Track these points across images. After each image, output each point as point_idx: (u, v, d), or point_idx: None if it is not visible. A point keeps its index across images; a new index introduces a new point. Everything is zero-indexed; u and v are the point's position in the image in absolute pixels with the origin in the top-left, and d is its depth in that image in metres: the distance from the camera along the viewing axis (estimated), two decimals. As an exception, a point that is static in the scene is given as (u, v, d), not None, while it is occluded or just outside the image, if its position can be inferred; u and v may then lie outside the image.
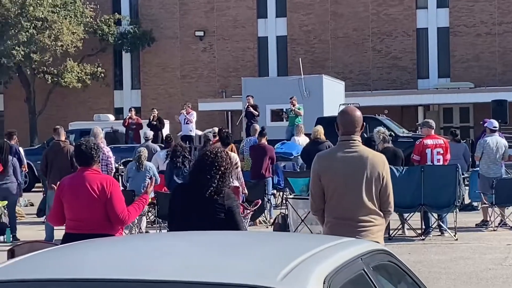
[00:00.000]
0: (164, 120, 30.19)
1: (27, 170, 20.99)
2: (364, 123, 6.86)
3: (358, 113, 6.80)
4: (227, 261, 3.65)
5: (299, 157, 19.77)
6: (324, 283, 3.36)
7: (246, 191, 15.41)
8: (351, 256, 3.87)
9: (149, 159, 17.51)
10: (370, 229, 6.61)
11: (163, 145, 21.54)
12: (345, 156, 6.69)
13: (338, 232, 6.13)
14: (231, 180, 14.78)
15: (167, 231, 9.84)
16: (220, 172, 6.73)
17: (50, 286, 3.43)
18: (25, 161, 19.54)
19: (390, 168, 14.26)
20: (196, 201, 6.70)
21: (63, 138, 15.54)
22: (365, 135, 19.40)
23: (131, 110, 30.39)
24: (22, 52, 40.97)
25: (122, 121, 31.31)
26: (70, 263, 3.72)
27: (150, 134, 22.61)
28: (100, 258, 3.81)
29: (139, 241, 4.49)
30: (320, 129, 17.82)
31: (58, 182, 8.12)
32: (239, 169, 15.20)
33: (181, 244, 4.14)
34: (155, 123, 28.25)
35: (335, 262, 3.66)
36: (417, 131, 32.83)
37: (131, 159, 19.96)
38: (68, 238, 7.30)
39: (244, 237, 4.78)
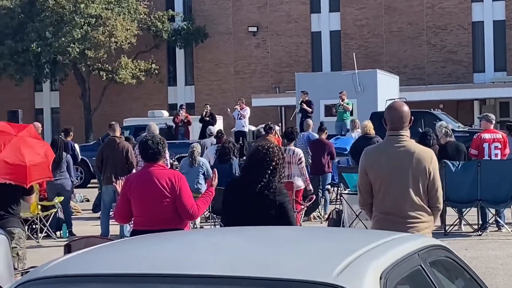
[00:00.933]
0: (217, 116, 30.27)
1: (79, 167, 21.23)
2: (412, 118, 6.79)
3: (406, 108, 6.75)
4: (282, 256, 3.63)
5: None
6: (380, 278, 3.32)
7: (311, 187, 15.34)
8: (408, 251, 3.82)
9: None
10: (417, 225, 6.53)
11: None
12: (391, 151, 6.65)
13: (385, 227, 6.10)
14: (294, 175, 14.75)
15: (220, 226, 9.86)
16: (271, 167, 6.70)
17: (105, 281, 3.44)
18: (79, 157, 19.76)
19: (446, 163, 14.26)
20: (247, 196, 6.67)
21: (118, 134, 15.66)
22: (420, 130, 19.25)
23: (183, 107, 30.56)
24: (77, 49, 41.42)
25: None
26: (125, 258, 3.73)
27: (214, 130, 22.70)
28: (153, 253, 3.81)
29: (194, 236, 4.49)
30: (369, 124, 17.68)
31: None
32: (303, 164, 15.14)
33: (236, 239, 4.12)
34: (207, 118, 28.34)
35: (392, 257, 3.61)
36: (473, 125, 32.48)
37: (185, 155, 20.04)
38: (136, 234, 7.25)
39: (299, 232, 4.75)
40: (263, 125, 22.88)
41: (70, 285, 3.51)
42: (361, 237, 4.34)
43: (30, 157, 8.93)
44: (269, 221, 6.43)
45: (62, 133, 18.49)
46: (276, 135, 20.07)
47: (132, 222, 8.02)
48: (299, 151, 15.27)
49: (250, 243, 3.98)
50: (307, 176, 15.25)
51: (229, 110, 29.14)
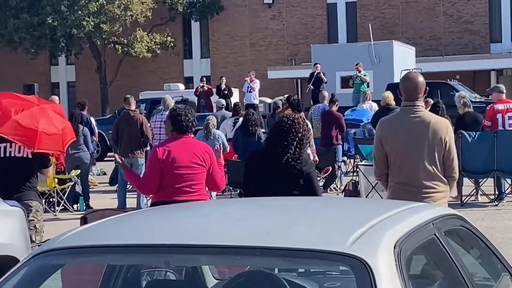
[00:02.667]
0: (233, 89, 30.23)
1: (97, 139, 21.26)
2: (427, 89, 6.78)
3: (421, 79, 6.74)
4: (297, 226, 3.63)
5: (370, 123, 19.60)
6: (395, 247, 3.32)
7: (317, 159, 15.32)
8: (422, 221, 3.81)
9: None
10: (433, 195, 6.53)
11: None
12: (407, 122, 6.65)
13: (401, 197, 6.10)
14: (308, 147, 14.80)
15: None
16: (297, 139, 6.71)
17: (119, 252, 3.46)
18: (96, 130, 19.80)
19: (463, 133, 14.21)
20: (273, 168, 6.66)
21: (133, 107, 15.65)
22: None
23: (203, 80, 30.48)
24: (92, 23, 41.41)
25: (192, 90, 31.45)
26: (140, 228, 3.74)
27: (224, 102, 22.66)
28: (170, 223, 3.82)
29: (209, 207, 4.50)
30: (389, 95, 17.59)
31: (154, 149, 7.92)
32: (311, 136, 15.11)
33: (250, 209, 4.13)
34: (225, 92, 28.31)
35: (406, 227, 3.61)
36: (490, 96, 32.32)
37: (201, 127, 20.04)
38: (161, 205, 7.09)
39: (314, 203, 4.75)
40: (280, 97, 22.86)
41: (84, 256, 3.53)
42: (375, 207, 4.33)
43: (44, 125, 8.95)
44: (295, 191, 6.46)
45: (78, 107, 18.52)
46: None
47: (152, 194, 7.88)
48: (307, 122, 15.21)
49: (265, 213, 3.98)
50: (314, 147, 15.20)
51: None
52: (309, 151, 14.65)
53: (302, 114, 17.39)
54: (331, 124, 17.58)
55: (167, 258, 3.54)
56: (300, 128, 6.75)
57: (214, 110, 24.59)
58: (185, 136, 7.65)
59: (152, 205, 7.73)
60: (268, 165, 6.71)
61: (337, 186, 17.11)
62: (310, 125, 15.11)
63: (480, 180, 14.89)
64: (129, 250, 3.46)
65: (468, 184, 15.02)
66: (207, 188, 7.97)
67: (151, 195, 8.07)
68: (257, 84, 28.52)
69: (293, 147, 6.67)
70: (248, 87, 28.29)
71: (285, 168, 6.64)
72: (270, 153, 6.76)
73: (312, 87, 26.48)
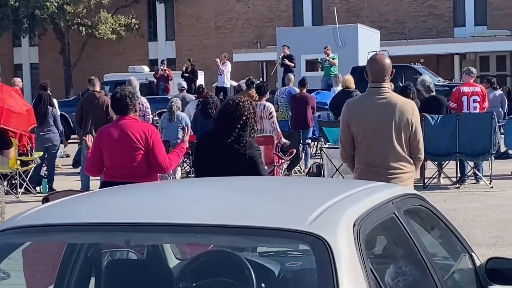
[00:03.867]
0: (198, 71, 30.15)
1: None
2: (394, 71, 6.83)
3: (387, 61, 6.78)
4: (257, 205, 3.64)
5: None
6: (354, 226, 3.33)
7: (285, 140, 15.31)
8: (382, 199, 3.83)
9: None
10: (399, 176, 6.60)
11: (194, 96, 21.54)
12: (374, 103, 6.69)
13: (368, 179, 6.11)
14: (265, 130, 14.71)
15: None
16: (241, 121, 6.72)
17: (79, 231, 3.44)
18: (58, 112, 19.63)
19: (426, 116, 14.32)
20: (219, 149, 6.72)
21: (98, 88, 15.56)
22: (401, 84, 19.26)
23: (164, 63, 30.41)
24: (56, 4, 41.02)
25: (157, 72, 31.37)
26: (100, 207, 3.73)
27: (185, 84, 22.60)
28: (130, 202, 3.81)
29: (169, 186, 4.51)
30: (350, 78, 17.70)
31: (98, 131, 8.09)
32: (274, 119, 15.10)
33: (211, 189, 4.14)
34: (187, 74, 28.21)
35: (366, 205, 3.63)
36: (453, 80, 32.55)
37: (165, 110, 19.98)
38: (106, 186, 7.30)
39: (275, 182, 4.77)
40: (244, 80, 22.81)
41: (44, 235, 3.52)
42: (335, 186, 4.36)
43: (10, 102, 8.83)
44: (239, 174, 6.47)
45: (40, 88, 18.33)
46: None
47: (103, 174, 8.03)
48: (270, 105, 15.19)
49: (226, 192, 3.99)
50: (279, 130, 15.21)
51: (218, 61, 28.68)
52: (272, 134, 14.73)
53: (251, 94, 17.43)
54: (306, 106, 17.60)
55: (127, 237, 3.54)
56: (244, 111, 6.76)
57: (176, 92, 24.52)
58: (126, 118, 7.73)
59: (101, 185, 7.83)
60: (216, 146, 6.75)
61: (301, 169, 17.15)
62: (272, 108, 15.09)
63: (443, 162, 15.02)
64: (88, 229, 3.45)
65: (430, 167, 15.14)
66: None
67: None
68: (227, 67, 28.42)
69: (237, 130, 6.70)
70: (219, 70, 28.22)
71: (229, 150, 6.68)
72: (217, 135, 6.80)
73: (280, 64, 26.43)
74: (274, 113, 15.17)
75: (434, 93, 15.46)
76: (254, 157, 6.73)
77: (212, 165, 6.66)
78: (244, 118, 6.75)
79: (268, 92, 15.93)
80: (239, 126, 6.71)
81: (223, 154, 6.69)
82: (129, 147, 7.59)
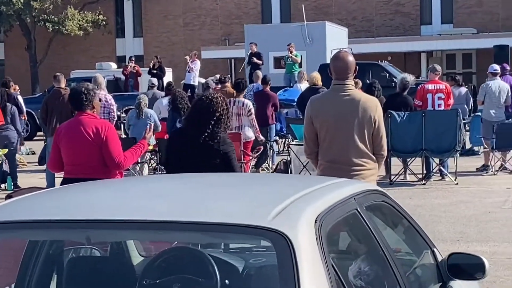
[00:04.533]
0: (166, 68, 30.07)
1: (26, 118, 20.97)
2: (357, 68, 6.86)
3: (351, 58, 6.82)
4: (219, 201, 3.64)
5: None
6: (315, 222, 3.34)
7: (262, 137, 15.32)
8: (344, 196, 3.85)
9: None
10: (362, 172, 6.62)
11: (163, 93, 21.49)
12: (337, 100, 6.72)
13: (330, 175, 6.16)
14: (244, 127, 14.69)
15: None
16: (214, 118, 6.70)
17: (38, 228, 3.42)
18: (24, 109, 19.50)
19: (392, 113, 14.39)
20: (191, 146, 6.69)
21: (63, 85, 15.45)
22: (368, 81, 19.34)
23: (131, 59, 30.30)
24: (22, 0, 40.68)
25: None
26: (62, 204, 3.71)
27: (155, 81, 22.54)
28: (92, 199, 3.79)
29: (130, 183, 4.49)
30: (317, 75, 17.75)
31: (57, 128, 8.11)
32: (253, 116, 15.09)
33: (173, 185, 4.13)
34: (155, 71, 28.13)
35: (328, 201, 3.63)
36: (420, 77, 32.74)
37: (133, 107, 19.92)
38: (66, 183, 7.29)
39: (238, 178, 4.77)
40: (212, 77, 22.82)
41: (5, 232, 3.48)
42: (297, 183, 4.36)
43: None
44: (213, 170, 6.45)
45: (1, 85, 18.17)
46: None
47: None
48: (248, 102, 15.21)
49: (188, 188, 3.99)
50: (257, 127, 15.23)
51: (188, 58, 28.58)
52: (251, 130, 14.71)
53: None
54: (266, 104, 17.63)
55: (87, 233, 3.52)
56: (218, 107, 6.75)
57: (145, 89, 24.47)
58: (83, 114, 7.73)
59: (61, 182, 7.82)
60: (188, 143, 6.72)
61: (269, 166, 17.17)
62: (250, 105, 15.09)
63: (409, 159, 15.12)
64: (49, 226, 3.42)
65: (396, 164, 15.24)
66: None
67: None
68: (196, 64, 28.38)
69: (210, 126, 6.68)
70: (187, 67, 28.18)
71: (203, 147, 6.65)
72: (189, 132, 6.76)
73: (246, 63, 26.51)
74: (253, 110, 15.19)
75: (405, 92, 15.47)
76: (228, 153, 6.72)
77: (185, 162, 6.63)
78: (217, 114, 6.73)
79: (246, 89, 15.96)
80: (212, 122, 6.69)
81: (196, 151, 6.66)
82: (82, 143, 7.59)
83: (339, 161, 6.65)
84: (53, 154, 7.87)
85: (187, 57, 28.35)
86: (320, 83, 17.46)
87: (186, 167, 6.41)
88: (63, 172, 8.00)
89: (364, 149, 6.68)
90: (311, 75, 18.07)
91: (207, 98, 6.81)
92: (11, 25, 43.67)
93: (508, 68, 16.32)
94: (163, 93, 21.48)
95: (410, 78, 16.10)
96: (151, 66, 28.55)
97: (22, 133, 17.09)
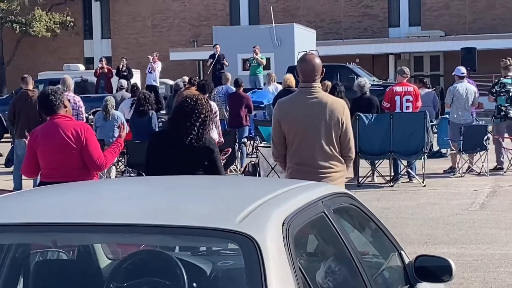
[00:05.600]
0: (133, 70, 29.95)
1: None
2: (324, 70, 6.87)
3: (318, 61, 6.82)
4: (187, 204, 3.64)
5: (271, 105, 19.74)
6: (283, 225, 3.34)
7: (223, 140, 15.35)
8: (311, 198, 3.85)
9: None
10: (330, 175, 6.64)
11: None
12: (304, 102, 6.73)
13: (298, 178, 6.15)
14: (211, 128, 14.78)
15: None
16: (200, 119, 6.65)
17: (8, 231, 3.40)
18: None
19: (360, 115, 14.46)
20: (176, 148, 6.62)
21: (31, 87, 15.34)
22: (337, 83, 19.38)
23: (102, 60, 30.11)
24: (-11, 1, 40.43)
25: (92, 71, 31.02)
26: (28, 207, 3.68)
27: (125, 83, 22.47)
28: (58, 202, 3.77)
29: (101, 186, 4.47)
30: (290, 77, 17.79)
31: (30, 133, 7.99)
32: (218, 117, 15.12)
33: (142, 188, 4.12)
34: (125, 73, 28.01)
35: (295, 204, 3.64)
36: (388, 79, 32.93)
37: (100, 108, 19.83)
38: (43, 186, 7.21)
39: (206, 181, 4.76)
40: (180, 79, 22.76)
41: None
42: (265, 185, 4.37)
43: None
44: (199, 171, 6.43)
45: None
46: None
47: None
48: (213, 104, 15.23)
49: (156, 191, 3.98)
50: (220, 128, 15.27)
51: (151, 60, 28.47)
52: (215, 135, 14.75)
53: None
54: (240, 106, 17.69)
55: (54, 237, 3.50)
56: (203, 109, 6.70)
57: (115, 91, 24.36)
58: (58, 116, 7.63)
59: (38, 186, 7.74)
60: (172, 146, 6.66)
61: (237, 168, 17.17)
62: (215, 106, 15.17)
63: (377, 161, 15.18)
64: (15, 229, 3.40)
65: (364, 166, 15.30)
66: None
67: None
68: (158, 66, 28.33)
69: (196, 128, 6.63)
70: (149, 68, 28.09)
71: (189, 149, 6.61)
72: (173, 134, 6.71)
73: (211, 61, 26.52)
74: (218, 112, 15.21)
75: (367, 94, 15.61)
76: (213, 153, 6.68)
77: (168, 164, 6.55)
78: (203, 116, 6.67)
79: (211, 91, 15.97)
80: (197, 124, 6.64)
81: (182, 153, 6.60)
82: (62, 146, 7.49)
83: (307, 164, 6.66)
84: (28, 159, 7.72)
85: (150, 57, 28.23)
86: (293, 85, 17.51)
87: (169, 170, 6.34)
88: (27, 177, 7.90)
89: (332, 151, 6.69)
90: (285, 77, 18.13)
91: (192, 100, 6.75)
92: (-22, 26, 43.38)
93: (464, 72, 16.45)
94: (129, 95, 21.42)
95: (364, 80, 16.20)
96: (119, 67, 28.41)
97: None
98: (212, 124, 6.98)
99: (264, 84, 23.82)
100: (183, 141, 6.59)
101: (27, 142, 7.93)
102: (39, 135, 7.66)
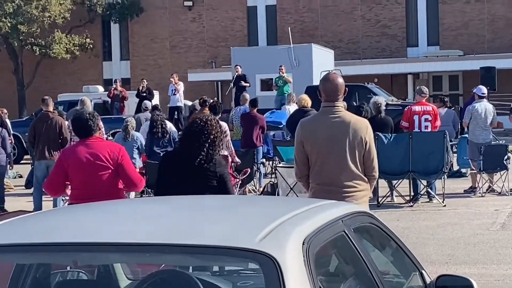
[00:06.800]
0: (154, 91, 30.08)
1: (13, 142, 20.92)
2: (347, 89, 6.85)
3: (340, 80, 6.80)
4: (207, 223, 3.63)
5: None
6: (303, 244, 3.34)
7: (238, 160, 15.37)
8: (332, 217, 3.84)
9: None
10: (354, 194, 6.60)
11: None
12: (327, 122, 6.70)
13: (322, 198, 6.12)
14: (221, 148, 14.80)
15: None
16: (209, 140, 6.66)
17: (27, 251, 3.40)
18: (11, 132, 19.47)
19: (379, 135, 14.43)
20: (186, 169, 6.63)
21: (51, 108, 15.43)
22: (355, 103, 19.37)
23: (116, 82, 30.29)
24: (9, 24, 40.69)
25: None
26: (48, 227, 3.69)
27: (149, 104, 22.57)
28: (78, 222, 3.78)
29: (118, 206, 4.47)
30: (306, 97, 17.76)
31: (60, 152, 8.01)
32: (229, 138, 15.15)
33: (161, 207, 4.11)
34: (144, 94, 28.13)
35: (315, 223, 3.63)
36: (407, 99, 32.87)
37: (119, 130, 19.89)
38: None
39: (225, 200, 4.75)
40: (196, 101, 22.82)
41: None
42: (285, 204, 4.36)
43: None
44: (208, 193, 6.42)
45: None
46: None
47: (68, 196, 7.95)
48: (224, 124, 15.24)
49: (175, 211, 3.97)
50: (233, 149, 15.28)
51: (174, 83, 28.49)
52: (226, 152, 14.77)
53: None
54: (253, 126, 17.67)
55: (74, 257, 3.51)
56: (212, 130, 6.70)
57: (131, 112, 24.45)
58: (91, 139, 7.67)
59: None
60: (182, 166, 6.68)
61: (256, 188, 17.16)
62: (226, 127, 15.20)
63: (396, 181, 15.12)
64: (36, 249, 3.41)
65: (384, 185, 15.24)
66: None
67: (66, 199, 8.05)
68: (181, 86, 28.44)
69: (205, 149, 6.64)
70: (172, 89, 28.17)
71: (199, 169, 6.61)
72: (183, 154, 6.73)
73: (232, 85, 26.57)
74: (228, 132, 15.23)
75: (382, 114, 15.54)
76: (223, 174, 6.68)
77: (179, 185, 6.57)
78: (212, 137, 6.69)
79: (222, 111, 15.98)
80: (207, 145, 6.65)
81: (192, 174, 6.61)
82: (98, 167, 7.52)
83: (330, 184, 6.62)
84: (55, 176, 7.72)
85: (172, 80, 28.28)
86: (309, 105, 17.48)
87: (180, 190, 6.36)
88: (50, 196, 7.91)
89: (355, 170, 6.66)
90: (300, 97, 18.10)
91: (201, 121, 6.77)
92: (-2, 49, 43.68)
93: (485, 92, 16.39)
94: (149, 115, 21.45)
95: (380, 99, 16.17)
96: (140, 89, 28.52)
97: (11, 156, 17.04)
98: (222, 144, 6.97)
99: (284, 104, 23.80)
100: (193, 162, 6.60)
101: (56, 160, 7.95)
102: (73, 155, 7.66)
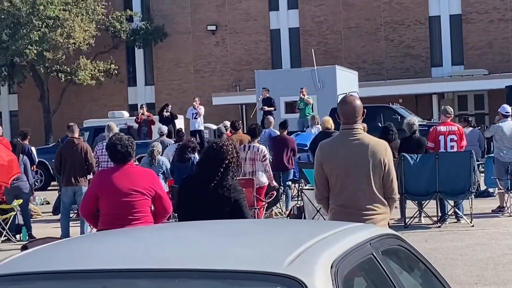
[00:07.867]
0: (178, 115, 30.19)
1: (35, 169, 21.08)
2: (365, 111, 6.84)
3: (358, 102, 6.80)
4: (234, 248, 3.63)
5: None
6: (332, 267, 3.33)
7: (275, 183, 15.38)
8: (360, 240, 3.83)
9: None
10: (373, 217, 6.58)
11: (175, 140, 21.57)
12: (346, 144, 6.70)
13: (341, 219, 6.13)
14: (258, 172, 14.74)
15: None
16: (224, 165, 6.70)
17: (55, 278, 3.42)
18: (36, 160, 19.62)
19: (405, 156, 14.39)
20: (202, 193, 6.68)
21: (76, 135, 15.53)
22: (380, 124, 19.33)
23: (143, 107, 30.45)
24: (35, 51, 41.10)
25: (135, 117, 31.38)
26: (78, 254, 3.70)
27: (165, 129, 22.67)
28: (108, 248, 3.79)
29: (148, 231, 4.48)
30: (329, 119, 17.78)
31: (95, 175, 8.01)
32: (267, 161, 15.17)
33: (189, 233, 4.12)
34: (167, 116, 28.20)
35: (343, 246, 3.63)
36: (432, 119, 32.76)
37: (145, 154, 19.97)
38: None
39: (252, 225, 4.76)
40: (223, 124, 22.89)
41: (21, 283, 3.48)
42: (313, 228, 4.35)
43: None
44: (223, 218, 6.43)
45: (20, 136, 18.33)
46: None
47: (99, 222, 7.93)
48: (263, 148, 15.29)
49: (203, 236, 3.98)
50: (271, 172, 15.29)
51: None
52: (265, 176, 14.74)
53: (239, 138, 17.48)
54: (284, 148, 17.67)
55: (105, 283, 3.51)
56: (227, 155, 6.74)
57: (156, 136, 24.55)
58: (126, 164, 7.65)
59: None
60: (198, 190, 6.73)
61: (282, 211, 17.14)
62: (265, 151, 15.16)
63: (423, 202, 15.05)
64: (65, 276, 3.41)
65: (411, 206, 15.17)
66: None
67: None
68: (202, 110, 28.55)
69: (220, 174, 6.67)
70: (193, 113, 28.25)
71: (213, 194, 6.65)
72: (200, 179, 6.78)
73: (266, 108, 26.58)
74: (268, 156, 15.27)
75: (416, 133, 15.52)
76: (238, 200, 6.70)
77: (195, 209, 6.62)
78: (226, 162, 6.72)
79: (260, 135, 16.03)
80: (221, 169, 6.69)
81: (207, 198, 6.66)
82: (135, 195, 7.51)
83: (350, 206, 6.62)
84: (89, 201, 7.67)
85: (194, 103, 28.29)
86: (332, 127, 17.49)
87: (196, 214, 6.39)
88: (93, 220, 7.77)
89: (375, 193, 6.64)
90: (323, 119, 18.11)
91: (218, 146, 6.82)
92: (25, 76, 44.06)
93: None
94: (172, 140, 21.55)
95: (414, 119, 16.15)
96: (164, 114, 28.62)
97: (33, 184, 17.16)
98: (239, 169, 6.99)
99: (308, 127, 23.81)
100: (208, 186, 6.63)
101: (88, 185, 7.98)
102: (106, 179, 7.63)
